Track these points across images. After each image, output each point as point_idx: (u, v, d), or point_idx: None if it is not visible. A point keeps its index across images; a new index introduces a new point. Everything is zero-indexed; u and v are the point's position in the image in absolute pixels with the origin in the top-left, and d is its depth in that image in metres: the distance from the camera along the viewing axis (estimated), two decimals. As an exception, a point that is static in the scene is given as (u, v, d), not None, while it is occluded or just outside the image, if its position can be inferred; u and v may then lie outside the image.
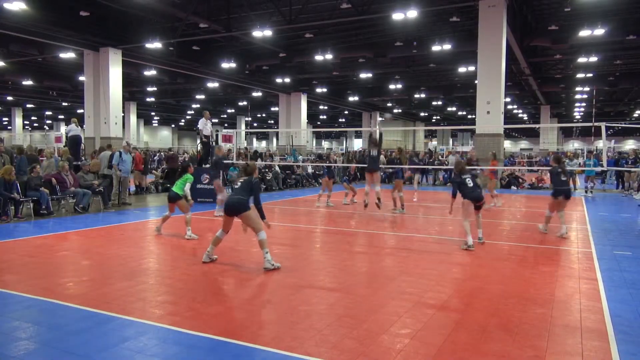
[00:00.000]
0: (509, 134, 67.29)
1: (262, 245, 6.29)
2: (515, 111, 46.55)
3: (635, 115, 49.04)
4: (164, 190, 17.16)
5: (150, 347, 3.81)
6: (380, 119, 48.88)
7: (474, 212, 8.01)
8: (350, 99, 38.52)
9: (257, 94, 34.88)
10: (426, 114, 52.15)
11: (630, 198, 16.58)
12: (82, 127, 18.05)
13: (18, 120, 46.23)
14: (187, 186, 8.53)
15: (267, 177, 18.84)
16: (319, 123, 58.27)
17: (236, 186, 6.75)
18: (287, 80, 30.28)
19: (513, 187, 19.79)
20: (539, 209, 13.17)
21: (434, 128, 68.07)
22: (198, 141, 16.08)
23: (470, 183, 7.87)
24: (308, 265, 6.68)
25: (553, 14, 19.56)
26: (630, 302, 5.09)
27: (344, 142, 69.30)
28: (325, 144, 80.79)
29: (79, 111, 36.17)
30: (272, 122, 58.22)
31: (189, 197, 8.59)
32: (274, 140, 66.44)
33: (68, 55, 21.62)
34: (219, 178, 11.11)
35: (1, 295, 5.09)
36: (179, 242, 8.05)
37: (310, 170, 21.88)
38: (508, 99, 35.19)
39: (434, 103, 41.64)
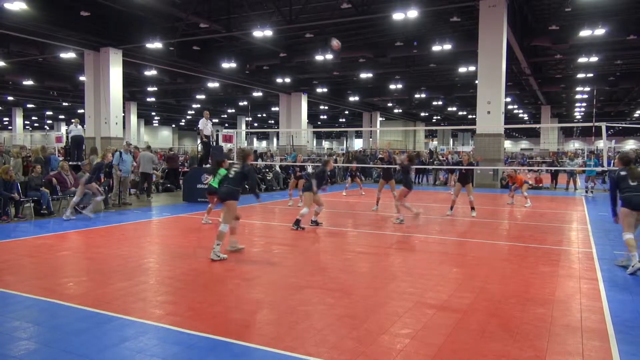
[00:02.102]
0: (509, 134, 67.31)
1: (219, 236, 6.70)
2: (515, 111, 46.54)
3: (635, 115, 49.05)
4: (165, 190, 17.18)
5: (150, 347, 3.81)
6: (381, 119, 48.91)
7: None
8: (351, 99, 38.52)
9: (257, 94, 34.91)
10: (426, 114, 52.16)
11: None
12: (82, 127, 18.04)
13: (18, 120, 46.30)
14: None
15: (268, 177, 18.82)
16: (319, 123, 58.30)
17: (230, 175, 7.06)
18: (288, 80, 30.28)
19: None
20: (539, 208, 13.16)
21: (434, 128, 68.13)
22: (198, 141, 16.10)
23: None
24: (308, 265, 6.67)
25: (553, 14, 19.56)
26: (630, 302, 5.08)
27: (344, 142, 69.40)
28: (326, 144, 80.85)
29: (80, 111, 36.18)
30: (273, 122, 58.23)
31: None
32: (274, 140, 66.46)
33: (68, 55, 21.65)
34: (94, 182, 10.79)
35: (1, 295, 5.09)
36: (179, 242, 8.05)
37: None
38: (508, 99, 35.19)
39: (434, 103, 41.62)
